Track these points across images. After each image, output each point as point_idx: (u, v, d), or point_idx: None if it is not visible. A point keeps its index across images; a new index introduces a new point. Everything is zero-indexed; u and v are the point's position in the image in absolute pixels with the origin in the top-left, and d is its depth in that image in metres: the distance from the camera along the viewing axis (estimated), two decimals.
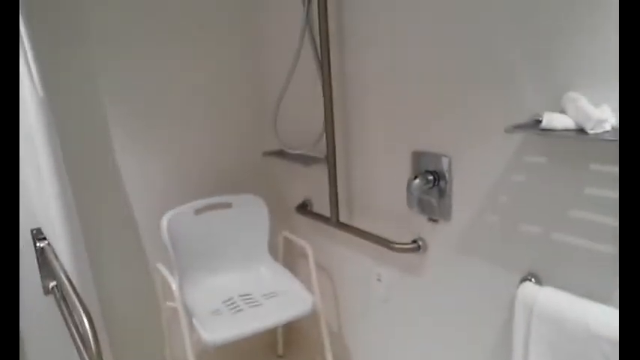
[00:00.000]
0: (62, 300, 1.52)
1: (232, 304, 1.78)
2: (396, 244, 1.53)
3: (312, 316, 1.82)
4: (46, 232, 1.60)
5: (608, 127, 0.98)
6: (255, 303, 1.78)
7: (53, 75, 1.62)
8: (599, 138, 0.97)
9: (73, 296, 1.20)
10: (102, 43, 1.71)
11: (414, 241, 1.51)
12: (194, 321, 1.63)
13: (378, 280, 1.69)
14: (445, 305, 1.47)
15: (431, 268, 1.49)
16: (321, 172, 1.82)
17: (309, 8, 1.64)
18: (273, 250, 1.99)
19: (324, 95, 1.64)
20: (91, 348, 1.04)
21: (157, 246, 1.84)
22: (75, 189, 1.63)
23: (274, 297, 1.81)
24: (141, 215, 1.88)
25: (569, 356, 1.06)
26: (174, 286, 1.65)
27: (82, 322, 1.09)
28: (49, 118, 1.41)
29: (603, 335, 0.99)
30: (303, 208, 1.97)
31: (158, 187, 1.90)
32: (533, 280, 1.18)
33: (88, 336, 1.06)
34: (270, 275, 1.94)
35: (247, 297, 1.82)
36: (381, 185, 1.61)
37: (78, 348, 1.17)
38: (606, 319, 1.00)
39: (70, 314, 1.38)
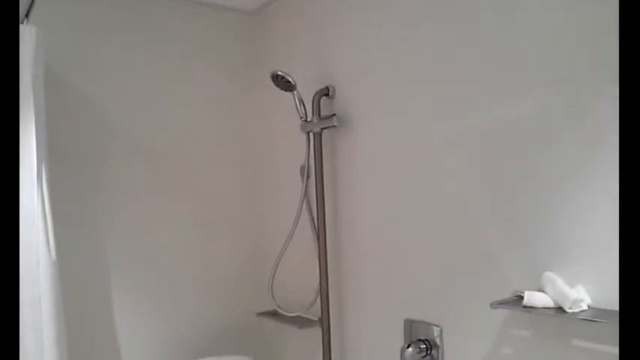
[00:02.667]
0: None
1: None
2: None
3: None
4: None
5: (584, 306, 1.07)
6: None
7: (64, 239, 1.71)
8: (576, 317, 1.05)
9: None
10: (110, 215, 1.83)
11: None
12: None
13: None
14: None
15: None
16: (314, 335, 1.84)
17: (308, 182, 1.80)
18: None
19: (319, 262, 1.74)
20: None
21: None
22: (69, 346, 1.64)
23: None
24: None
25: None
26: None
27: None
28: (58, 281, 1.47)
29: None
30: None
31: (149, 344, 1.89)
32: None
33: None
34: None
35: None
36: (374, 352, 1.64)
37: None
38: None
39: None
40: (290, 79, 1.68)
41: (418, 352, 1.43)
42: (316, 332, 1.81)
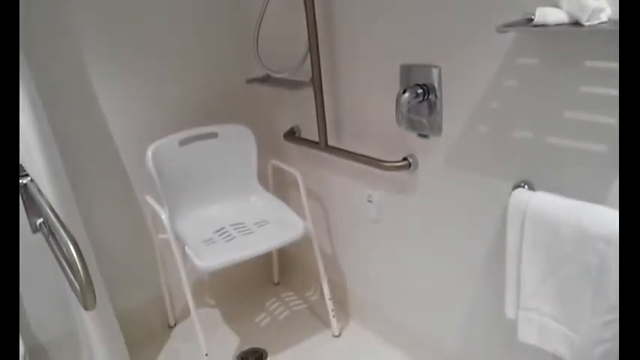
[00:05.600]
0: (50, 235, 1.49)
1: (224, 233, 1.77)
2: (387, 162, 1.50)
3: (306, 242, 1.82)
4: (27, 168, 1.55)
5: (604, 17, 0.93)
6: (248, 231, 1.77)
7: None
8: (595, 29, 0.92)
9: (58, 226, 1.17)
10: None
11: (405, 159, 1.48)
12: (187, 250, 1.62)
13: (369, 201, 1.68)
14: (437, 220, 1.46)
15: (422, 185, 1.47)
16: (307, 97, 1.76)
17: None
18: (262, 179, 1.96)
19: (306, 13, 1.56)
20: (79, 273, 1.02)
21: (145, 179, 1.80)
22: (54, 123, 1.59)
23: (266, 224, 1.80)
24: (125, 148, 1.83)
25: (563, 257, 1.05)
26: (163, 217, 1.63)
27: (68, 249, 1.06)
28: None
29: (598, 234, 0.98)
30: (291, 134, 1.93)
31: (142, 119, 1.84)
32: (525, 186, 1.16)
33: (75, 262, 1.03)
34: (260, 204, 1.92)
35: (239, 226, 1.81)
36: (369, 105, 1.57)
37: (68, 278, 1.16)
38: (601, 218, 0.99)
39: (59, 248, 1.36)
40: None
41: (415, 97, 1.34)
42: (309, 94, 1.72)
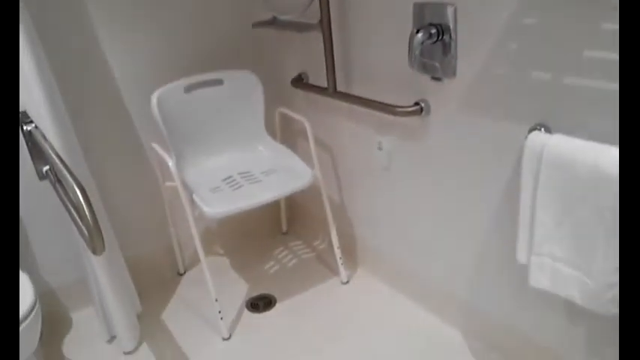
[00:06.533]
0: (57, 182, 1.48)
1: (232, 181, 1.75)
2: (398, 107, 1.46)
3: (314, 191, 1.80)
4: (31, 114, 1.53)
5: None
6: (255, 179, 1.75)
7: None
8: None
9: (65, 172, 1.15)
10: None
11: (417, 104, 1.44)
12: (194, 197, 1.61)
13: (379, 148, 1.64)
14: (449, 166, 1.43)
15: (434, 130, 1.44)
16: (315, 41, 1.70)
17: None
18: (270, 127, 1.93)
19: None
20: (86, 217, 1.01)
21: (151, 127, 1.77)
22: (57, 71, 1.55)
23: (274, 173, 1.78)
24: (130, 96, 1.79)
25: (578, 200, 1.03)
26: (170, 164, 1.61)
27: (74, 193, 1.05)
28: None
29: (613, 175, 0.95)
30: (299, 81, 1.88)
31: (146, 65, 1.80)
32: (542, 129, 1.12)
33: (82, 206, 1.02)
34: (268, 152, 1.89)
35: (247, 174, 1.79)
36: (380, 47, 1.51)
37: (76, 224, 1.15)
38: (616, 159, 0.96)
39: (66, 194, 1.35)
40: None
41: (428, 38, 1.29)
42: (317, 37, 1.67)
